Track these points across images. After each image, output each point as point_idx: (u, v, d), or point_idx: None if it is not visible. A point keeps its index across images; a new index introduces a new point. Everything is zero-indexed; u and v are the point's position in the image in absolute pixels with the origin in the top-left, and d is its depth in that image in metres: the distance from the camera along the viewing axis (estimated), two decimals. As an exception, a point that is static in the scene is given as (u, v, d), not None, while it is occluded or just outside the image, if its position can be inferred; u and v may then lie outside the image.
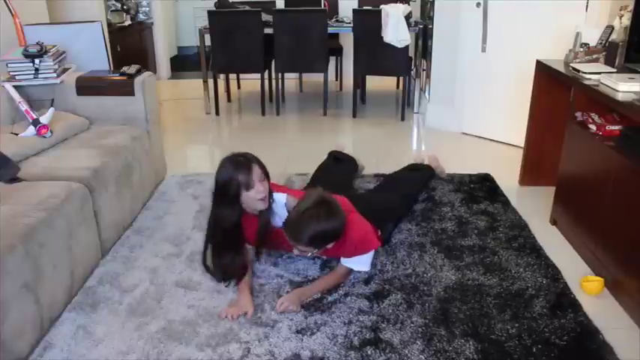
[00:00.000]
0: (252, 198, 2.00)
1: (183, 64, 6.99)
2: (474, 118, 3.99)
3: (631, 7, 2.37)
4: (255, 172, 1.98)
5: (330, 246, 1.99)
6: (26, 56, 2.71)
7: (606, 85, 2.20)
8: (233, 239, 2.09)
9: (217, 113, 4.77)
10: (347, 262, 2.11)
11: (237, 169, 1.96)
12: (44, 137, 2.47)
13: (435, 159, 3.17)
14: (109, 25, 4.95)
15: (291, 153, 3.76)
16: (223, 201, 2.02)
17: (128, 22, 5.59)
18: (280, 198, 2.11)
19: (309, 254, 2.05)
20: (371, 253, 2.12)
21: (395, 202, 2.62)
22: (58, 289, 1.92)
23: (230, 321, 1.91)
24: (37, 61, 2.72)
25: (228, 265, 2.09)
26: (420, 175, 2.99)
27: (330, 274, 2.16)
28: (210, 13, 4.46)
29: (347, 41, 5.11)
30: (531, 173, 3.07)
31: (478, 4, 3.69)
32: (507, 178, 3.15)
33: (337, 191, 2.16)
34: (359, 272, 2.18)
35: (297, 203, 1.99)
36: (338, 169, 3.00)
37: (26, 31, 3.08)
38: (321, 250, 2.02)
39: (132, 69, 2.87)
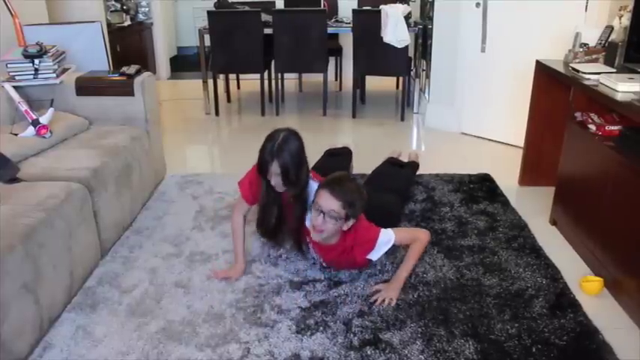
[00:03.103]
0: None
1: (182, 64, 6.98)
2: (474, 118, 3.99)
3: (630, 7, 2.38)
4: (274, 167, 2.00)
5: (345, 226, 1.98)
6: (26, 56, 2.71)
7: (606, 85, 2.20)
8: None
9: (217, 113, 4.77)
10: (374, 255, 2.11)
11: (265, 153, 2.03)
12: (44, 137, 2.47)
13: (415, 155, 3.22)
14: (109, 25, 4.95)
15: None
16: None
17: (128, 23, 5.59)
18: (313, 185, 2.11)
19: (324, 219, 1.95)
20: (380, 239, 2.08)
21: (394, 201, 2.62)
22: (57, 290, 1.92)
23: (216, 278, 2.17)
24: (36, 61, 2.72)
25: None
26: (408, 173, 3.02)
27: (408, 254, 2.12)
28: (209, 13, 4.45)
29: (346, 41, 5.11)
30: (531, 173, 3.07)
31: (478, 4, 3.69)
32: (507, 178, 3.15)
33: None
34: (359, 271, 2.19)
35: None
36: (333, 163, 3.01)
37: (26, 32, 3.08)
38: (335, 226, 1.96)
39: (131, 69, 2.87)
